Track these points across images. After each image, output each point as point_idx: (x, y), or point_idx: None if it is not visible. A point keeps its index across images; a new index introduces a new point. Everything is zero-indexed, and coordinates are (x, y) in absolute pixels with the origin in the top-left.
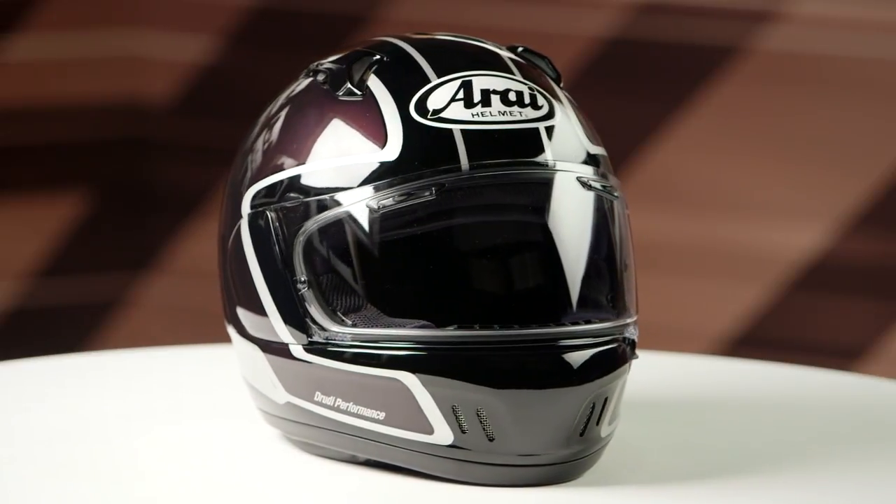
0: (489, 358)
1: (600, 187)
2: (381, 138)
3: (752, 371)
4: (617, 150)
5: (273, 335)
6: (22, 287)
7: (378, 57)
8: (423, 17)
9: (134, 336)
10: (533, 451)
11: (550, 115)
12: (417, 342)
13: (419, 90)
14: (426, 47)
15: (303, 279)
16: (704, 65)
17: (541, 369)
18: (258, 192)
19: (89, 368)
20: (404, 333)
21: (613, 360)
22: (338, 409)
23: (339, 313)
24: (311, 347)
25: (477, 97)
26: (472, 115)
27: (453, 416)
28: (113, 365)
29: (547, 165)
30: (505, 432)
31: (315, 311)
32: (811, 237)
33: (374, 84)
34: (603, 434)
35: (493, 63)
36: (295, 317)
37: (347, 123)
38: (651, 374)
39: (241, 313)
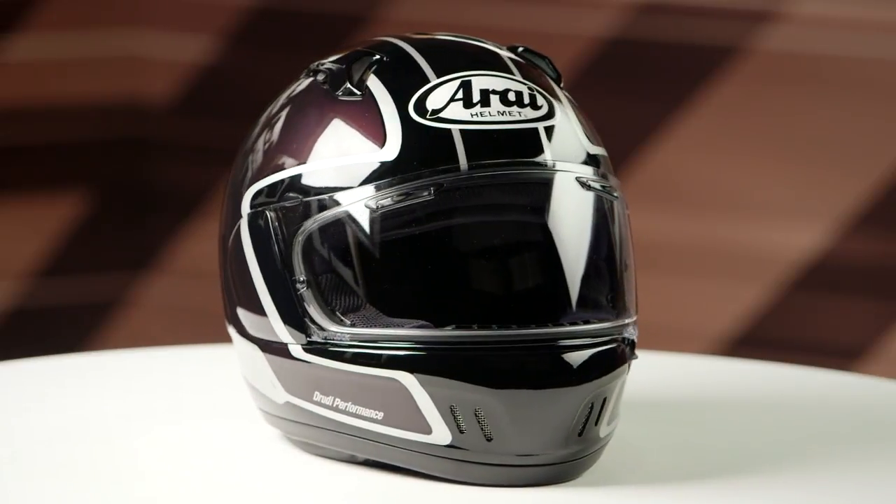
0: (487, 358)
1: (599, 187)
2: (380, 138)
3: (752, 371)
4: (617, 150)
5: (272, 335)
6: (22, 287)
7: (378, 57)
8: (423, 17)
9: (134, 336)
10: (531, 451)
11: (550, 115)
12: (416, 342)
13: (418, 90)
14: (426, 47)
15: (302, 279)
16: (704, 65)
17: (539, 369)
18: (258, 192)
19: (89, 368)
20: (403, 333)
21: (612, 360)
22: (336, 409)
23: (337, 313)
24: (310, 347)
25: (476, 97)
26: (471, 115)
27: (451, 416)
28: (113, 365)
29: (546, 165)
30: (503, 432)
31: (314, 310)
32: (811, 237)
33: (374, 84)
34: (602, 434)
35: (492, 63)
36: (294, 317)
37: (347, 123)
38: (651, 374)
39: (241, 313)
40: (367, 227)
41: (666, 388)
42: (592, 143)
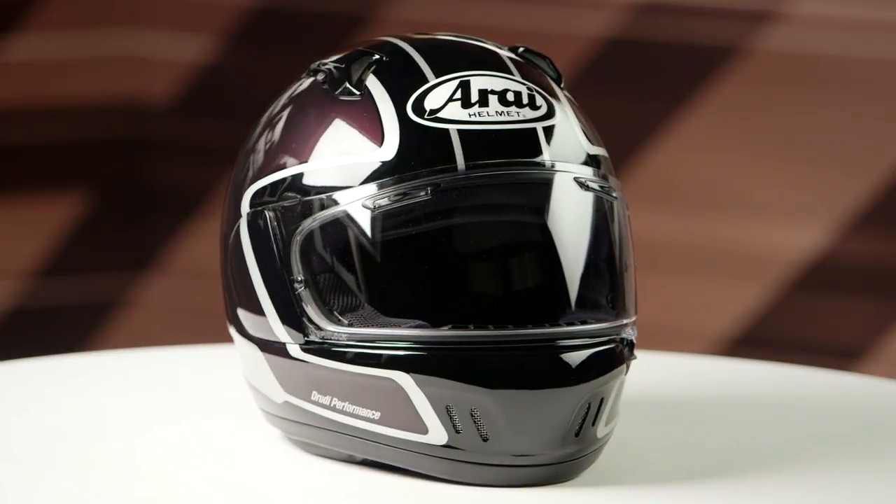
0: (483, 358)
1: (598, 188)
2: (378, 138)
3: (752, 371)
4: (617, 150)
5: (271, 335)
6: (22, 287)
7: (377, 57)
8: (423, 17)
9: (134, 336)
10: (527, 451)
11: (549, 115)
12: (412, 342)
13: (417, 90)
14: (426, 47)
15: (300, 279)
16: (704, 65)
17: (535, 370)
18: (257, 192)
19: (89, 368)
20: (399, 333)
21: (610, 360)
22: (334, 409)
23: (335, 313)
24: (308, 347)
25: (475, 97)
26: (470, 115)
27: (447, 416)
28: (113, 365)
29: (544, 166)
30: (499, 432)
31: (311, 310)
32: (811, 237)
33: (373, 84)
34: (599, 435)
35: (492, 63)
36: (292, 316)
37: (345, 123)
38: (651, 374)
39: (241, 313)
40: (364, 227)
41: (666, 388)
42: (592, 144)
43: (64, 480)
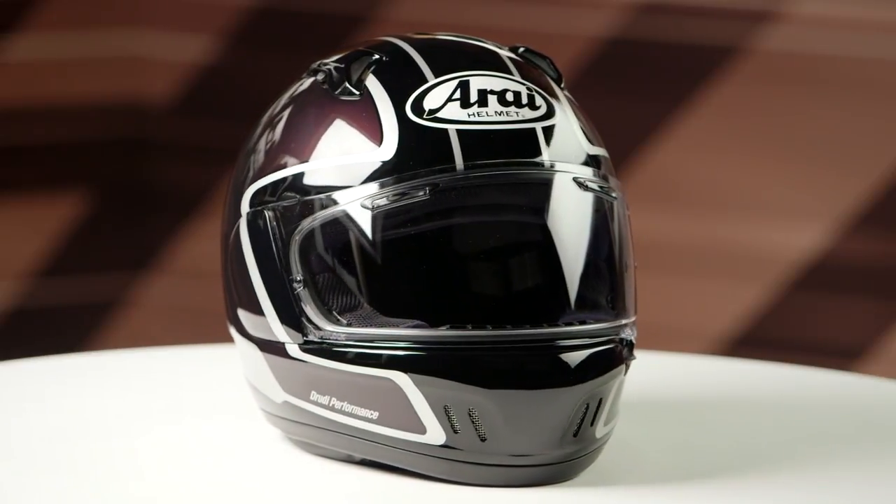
0: (481, 358)
1: (597, 188)
2: (377, 138)
3: (752, 371)
4: (617, 150)
5: (270, 334)
6: (22, 287)
7: (377, 57)
8: (423, 17)
9: (134, 336)
10: (525, 451)
11: (548, 115)
12: (410, 342)
13: (416, 90)
14: (426, 47)
15: (298, 278)
16: (704, 65)
17: (533, 370)
18: (257, 192)
19: (89, 368)
20: (397, 333)
21: (608, 361)
22: (332, 409)
23: (334, 312)
24: (307, 347)
25: (474, 97)
26: (468, 115)
27: (445, 415)
28: (113, 365)
29: (543, 166)
30: (496, 432)
31: (310, 310)
32: (811, 237)
33: (372, 84)
34: (598, 435)
35: (491, 63)
36: (291, 316)
37: (345, 123)
38: (651, 374)
39: (241, 313)
40: (362, 227)
41: (666, 388)
42: (592, 144)
43: (64, 480)
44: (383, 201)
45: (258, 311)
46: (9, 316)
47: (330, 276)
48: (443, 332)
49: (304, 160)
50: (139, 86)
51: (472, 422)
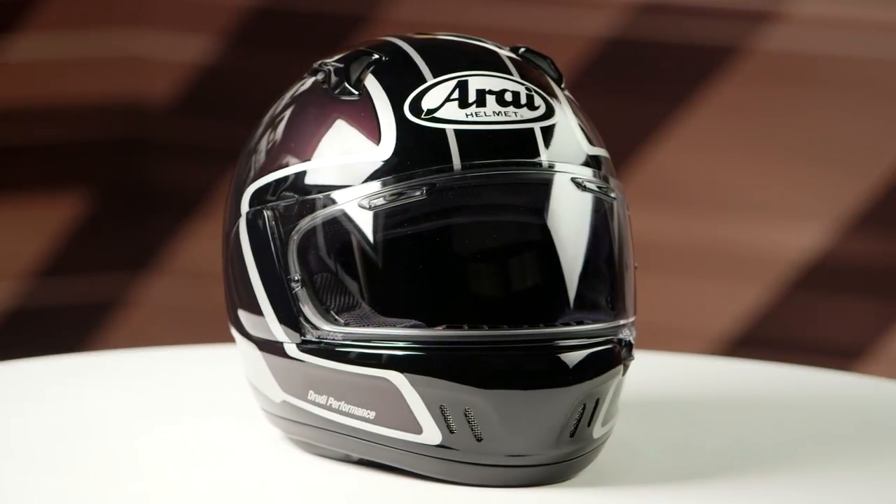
0: (477, 358)
1: (596, 188)
2: (375, 138)
3: (752, 371)
4: (617, 150)
5: (269, 334)
6: (22, 287)
7: (377, 57)
8: (423, 17)
9: (134, 336)
10: (522, 451)
11: (547, 115)
12: (407, 342)
13: (414, 90)
14: (425, 47)
15: (296, 278)
16: (704, 65)
17: (529, 370)
18: (257, 191)
19: (89, 368)
20: (394, 333)
21: (605, 361)
22: (330, 408)
23: (331, 312)
24: (305, 346)
25: (472, 97)
26: (467, 116)
27: (441, 415)
28: (113, 365)
29: (541, 166)
30: (493, 433)
31: (308, 309)
32: (811, 237)
33: (371, 84)
34: (596, 435)
35: (491, 63)
36: (289, 316)
37: (343, 123)
38: (651, 374)
39: (241, 312)
40: (360, 227)
41: (666, 388)
42: (593, 144)
43: (64, 480)
44: (380, 201)
45: (257, 310)
46: (9, 316)
47: (327, 275)
48: (440, 332)
49: (302, 160)
50: (139, 86)
51: (468, 422)
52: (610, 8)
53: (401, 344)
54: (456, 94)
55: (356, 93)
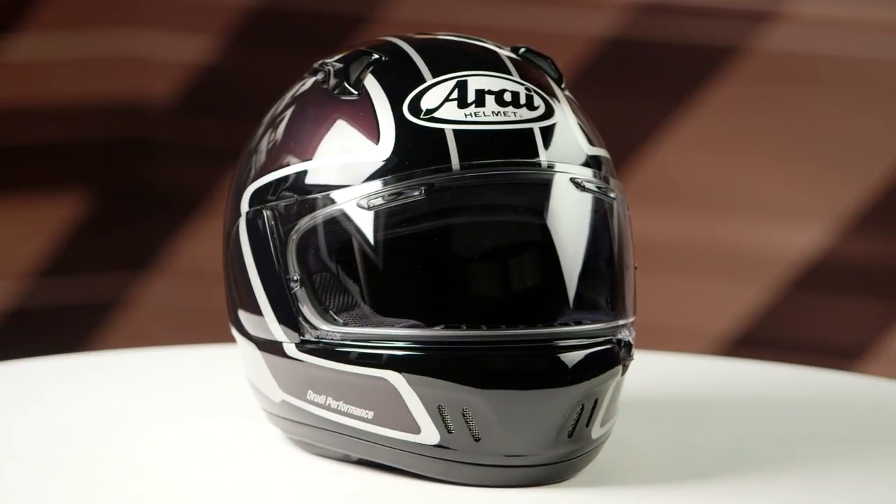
0: (475, 358)
1: (595, 188)
2: (374, 137)
3: (752, 371)
4: (617, 150)
5: (268, 334)
6: (22, 287)
7: (376, 56)
8: (423, 17)
9: (134, 336)
10: (520, 451)
11: (547, 115)
12: (405, 341)
13: (413, 90)
14: (425, 47)
15: (295, 278)
16: (704, 65)
17: (527, 370)
18: (256, 191)
19: (89, 368)
20: (392, 333)
21: (604, 361)
22: (329, 408)
23: (330, 312)
24: (304, 346)
25: (471, 97)
26: (466, 116)
27: (439, 415)
28: (113, 365)
29: (540, 166)
30: (490, 433)
31: (307, 309)
32: (811, 237)
33: (371, 83)
34: (594, 436)
35: (490, 63)
36: (288, 315)
37: (343, 123)
38: (651, 374)
39: (241, 312)
40: (358, 227)
41: (666, 388)
42: (593, 145)
43: (64, 480)
44: (379, 201)
45: (257, 310)
46: (9, 316)
47: (326, 275)
48: (438, 332)
49: (302, 160)
50: (139, 86)
51: (466, 422)
52: (610, 8)
53: (399, 344)
54: (455, 94)
55: (356, 93)
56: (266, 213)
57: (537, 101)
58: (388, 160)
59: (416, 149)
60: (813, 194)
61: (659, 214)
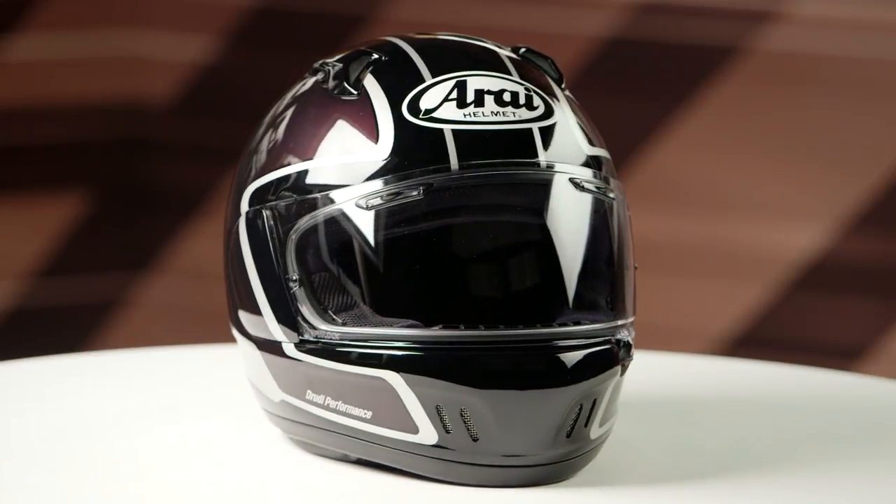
0: (472, 358)
1: (594, 189)
2: (373, 137)
3: (752, 371)
4: (617, 150)
5: (268, 333)
6: (22, 287)
7: (376, 56)
8: (423, 17)
9: (134, 336)
10: (518, 451)
11: (546, 115)
12: (403, 341)
13: (413, 90)
14: (425, 47)
15: (294, 277)
16: (704, 65)
17: (526, 370)
18: (256, 191)
19: (89, 368)
20: (390, 333)
21: (602, 361)
22: (327, 408)
23: (329, 312)
24: (302, 346)
25: (470, 97)
26: (464, 116)
27: (437, 415)
28: (113, 365)
29: (539, 166)
30: (488, 433)
31: (306, 309)
32: (811, 237)
33: (370, 83)
34: (593, 436)
35: (490, 63)
36: (287, 315)
37: (342, 123)
38: (651, 374)
39: (241, 312)
40: (357, 226)
41: (666, 388)
42: (593, 145)
43: (64, 480)
44: (377, 201)
45: (256, 310)
46: (9, 316)
47: (325, 275)
48: (436, 332)
49: (301, 159)
50: (139, 86)
51: (464, 422)
52: (610, 8)
53: (397, 344)
54: (454, 94)
55: (355, 92)
56: (266, 213)
57: (537, 101)
58: (386, 160)
59: (415, 149)
60: (813, 194)
61: (659, 214)
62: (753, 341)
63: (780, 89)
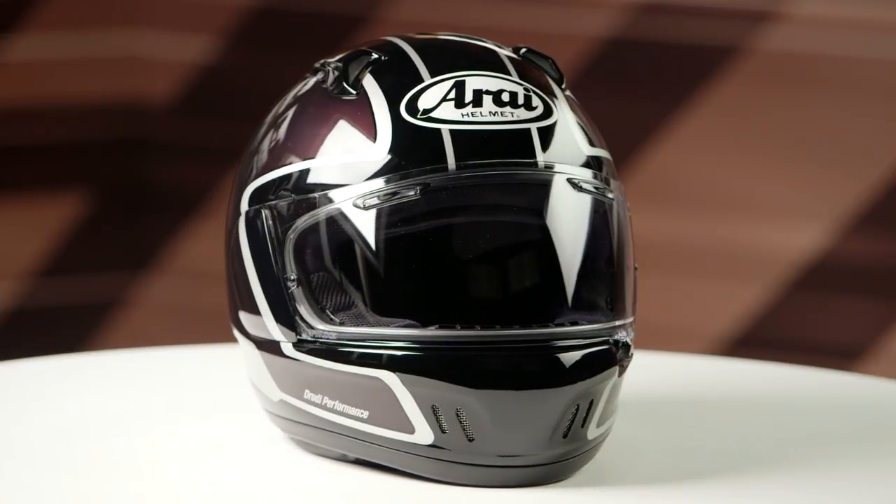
0: (468, 358)
1: (592, 189)
2: (371, 137)
3: (752, 371)
4: (617, 150)
5: (266, 333)
6: (22, 287)
7: (375, 56)
8: (423, 17)
9: (134, 336)
10: (514, 451)
11: (545, 116)
12: (400, 341)
13: (411, 90)
14: (425, 47)
15: (292, 277)
16: (704, 65)
17: (522, 370)
18: (256, 190)
19: (89, 368)
20: (388, 333)
21: (599, 362)
22: (325, 408)
23: (327, 311)
24: (301, 345)
25: (469, 97)
26: (462, 116)
27: (433, 415)
28: (113, 365)
29: (537, 166)
30: (484, 433)
31: (304, 309)
32: (811, 237)
33: (369, 83)
34: (591, 436)
35: (489, 63)
36: (285, 315)
37: (341, 122)
38: (651, 374)
39: (241, 312)
40: (354, 226)
41: (666, 388)
42: (593, 145)
43: (64, 480)
44: (375, 201)
45: (255, 310)
46: (9, 316)
47: (323, 275)
48: (433, 332)
49: (301, 159)
50: (139, 86)
51: (460, 422)
52: (610, 8)
53: (394, 344)
54: (452, 94)
55: (354, 92)
56: (265, 213)
57: (536, 101)
58: (384, 160)
59: (413, 148)
60: (813, 194)
61: (659, 214)
62: (753, 341)
63: (780, 89)
